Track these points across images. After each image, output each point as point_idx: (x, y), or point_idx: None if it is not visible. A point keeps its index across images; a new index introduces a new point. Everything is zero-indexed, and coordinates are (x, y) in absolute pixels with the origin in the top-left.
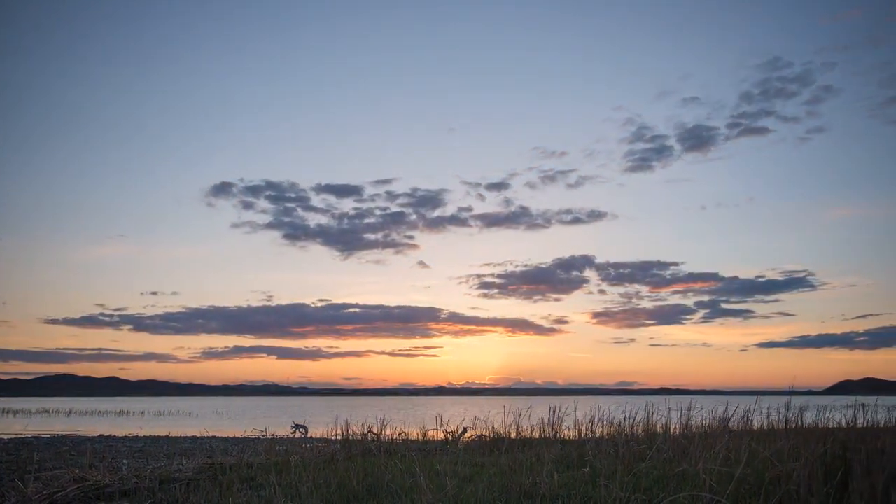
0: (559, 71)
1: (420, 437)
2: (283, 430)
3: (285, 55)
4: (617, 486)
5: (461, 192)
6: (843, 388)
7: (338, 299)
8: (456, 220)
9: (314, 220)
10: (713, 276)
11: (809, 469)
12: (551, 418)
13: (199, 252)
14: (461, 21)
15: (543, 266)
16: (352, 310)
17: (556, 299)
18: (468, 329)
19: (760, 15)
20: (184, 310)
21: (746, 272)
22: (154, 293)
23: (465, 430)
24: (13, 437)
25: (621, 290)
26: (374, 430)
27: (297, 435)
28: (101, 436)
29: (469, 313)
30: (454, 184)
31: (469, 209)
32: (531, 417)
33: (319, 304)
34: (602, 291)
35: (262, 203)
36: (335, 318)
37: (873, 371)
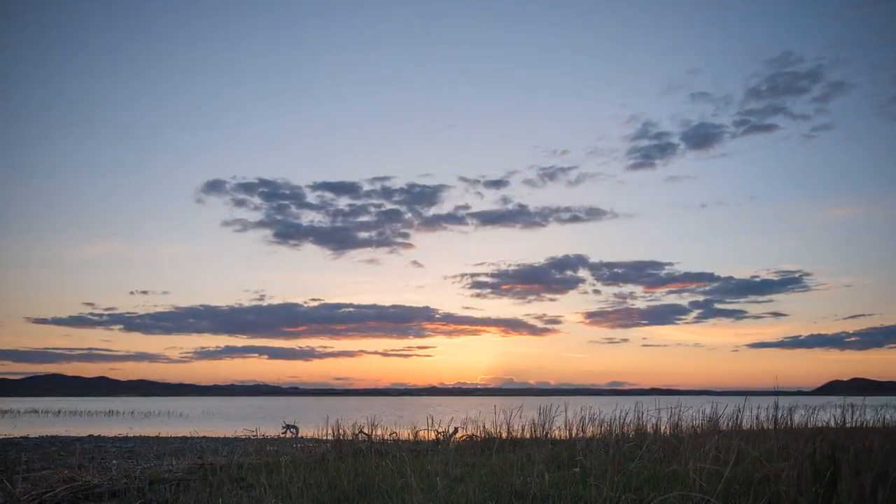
0: (563, 67)
1: (411, 438)
2: (273, 431)
3: (281, 51)
4: (607, 485)
5: (459, 189)
6: (833, 388)
7: (331, 299)
8: (452, 219)
9: (308, 218)
10: (709, 276)
11: (798, 469)
12: (542, 418)
13: (189, 251)
14: (462, 16)
15: (538, 266)
16: (345, 309)
17: (551, 299)
18: (462, 329)
19: (773, 7)
20: (174, 309)
21: (742, 272)
22: (144, 292)
23: (455, 431)
24: (1, 437)
25: (616, 289)
26: (365, 431)
27: (288, 435)
28: (90, 436)
29: (463, 313)
30: (453, 181)
31: (466, 207)
32: (522, 417)
33: (312, 304)
34: (597, 291)
35: (255, 201)
36: (328, 318)
37: (863, 371)
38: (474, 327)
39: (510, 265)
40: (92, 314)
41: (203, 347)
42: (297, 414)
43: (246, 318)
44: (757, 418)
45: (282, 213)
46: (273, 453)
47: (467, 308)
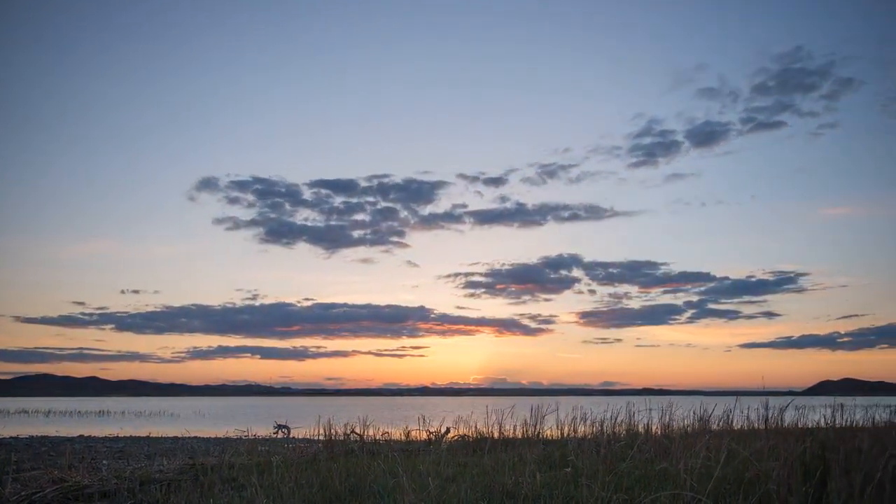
0: (566, 63)
1: (403, 438)
2: (265, 431)
3: (279, 48)
4: (599, 485)
5: (458, 187)
6: (823, 388)
7: (324, 298)
8: (449, 217)
9: (302, 216)
10: (705, 276)
11: (788, 468)
12: (534, 418)
13: (181, 250)
14: (463, 12)
15: (534, 265)
16: (339, 309)
17: (546, 299)
18: (456, 329)
19: (783, 2)
20: (166, 309)
21: (738, 272)
22: (136, 291)
23: (447, 431)
24: None
25: (611, 289)
26: (357, 431)
27: (280, 435)
28: (80, 436)
29: (457, 313)
30: (451, 178)
31: (464, 206)
32: (514, 417)
33: (306, 304)
34: (592, 291)
35: (248, 199)
36: (322, 318)
37: (854, 372)
38: (468, 327)
39: (504, 265)
40: (82, 314)
41: (195, 347)
42: (288, 414)
43: (239, 318)
44: (748, 418)
45: (276, 211)
46: (264, 453)
47: (461, 308)
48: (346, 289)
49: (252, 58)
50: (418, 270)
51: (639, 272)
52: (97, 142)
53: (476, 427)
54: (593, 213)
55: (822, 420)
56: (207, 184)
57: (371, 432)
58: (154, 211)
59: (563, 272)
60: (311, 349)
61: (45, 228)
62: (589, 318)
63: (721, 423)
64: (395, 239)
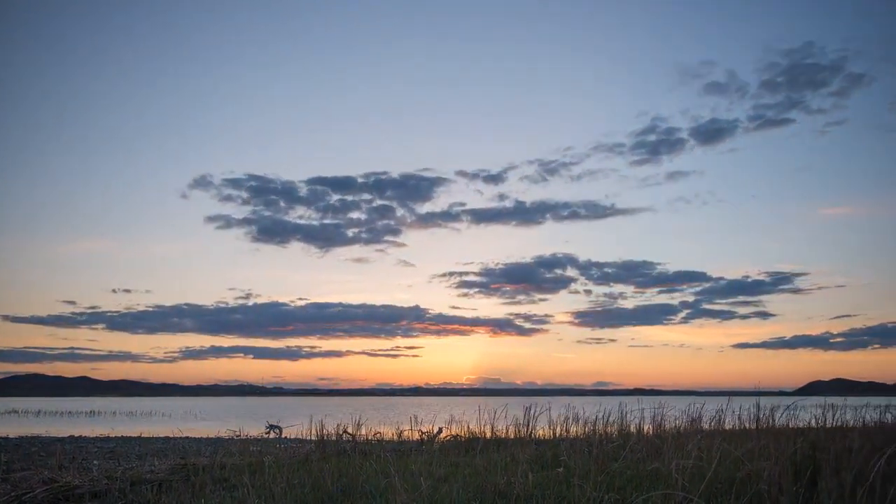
0: (569, 60)
1: (395, 438)
2: (257, 431)
3: (279, 45)
4: (591, 485)
5: (457, 184)
6: (814, 388)
7: (319, 298)
8: (447, 216)
9: (297, 214)
10: (701, 276)
11: (780, 468)
12: (526, 418)
13: (174, 248)
14: (464, 8)
15: (529, 265)
16: (333, 309)
17: (541, 299)
18: (450, 329)
19: None
20: (158, 308)
21: (735, 272)
22: (127, 291)
23: (440, 431)
24: None
25: (606, 289)
26: (350, 431)
27: (272, 435)
28: (71, 436)
29: (452, 313)
30: (451, 175)
31: (462, 204)
32: (506, 417)
33: (300, 303)
34: (587, 291)
35: (242, 197)
36: (316, 318)
37: (845, 372)
38: (463, 327)
39: (500, 264)
40: (73, 313)
41: (187, 347)
42: (280, 414)
43: (231, 318)
44: (739, 418)
45: (270, 209)
46: (256, 453)
47: (457, 308)
48: (341, 288)
49: (251, 56)
50: (414, 270)
51: (635, 272)
52: (93, 141)
53: (468, 427)
54: (593, 211)
55: (813, 420)
56: (201, 182)
57: (363, 432)
58: (147, 209)
59: (559, 271)
60: (305, 349)
61: (35, 227)
62: (584, 318)
63: (713, 424)
64: (390, 238)
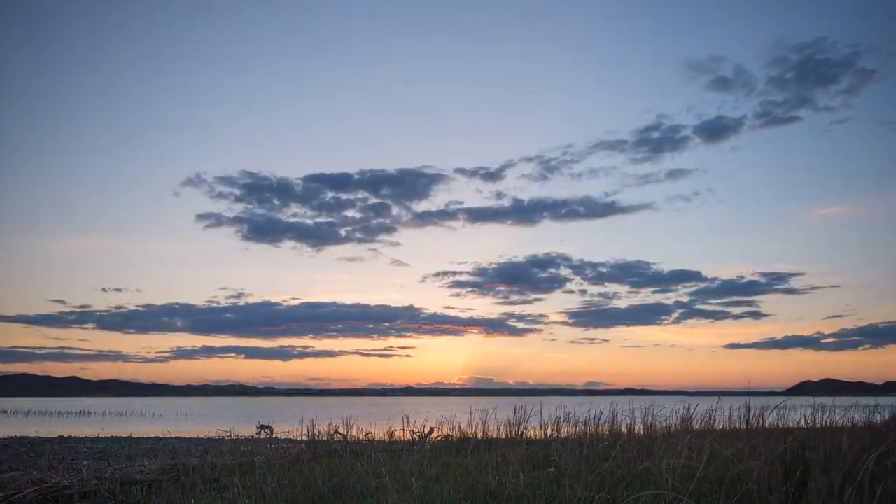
0: (571, 56)
1: (387, 438)
2: (247, 431)
3: (279, 42)
4: (581, 485)
5: (455, 182)
6: (804, 388)
7: (312, 297)
8: (443, 215)
9: (291, 212)
10: (696, 276)
11: (769, 468)
12: (517, 418)
13: (165, 247)
14: (466, 6)
15: (523, 265)
16: (327, 308)
17: (536, 298)
18: (445, 328)
19: None
20: (148, 308)
21: (730, 271)
22: (118, 290)
23: (431, 431)
24: None
25: (601, 289)
26: (341, 431)
27: (262, 435)
28: (60, 437)
29: (446, 313)
30: (449, 172)
31: (459, 202)
32: (497, 417)
33: (293, 303)
34: (582, 291)
35: (234, 195)
36: (309, 317)
37: (835, 372)
38: (457, 327)
39: (494, 263)
40: (62, 312)
41: (179, 347)
42: (271, 414)
43: (223, 317)
44: (729, 418)
45: (263, 206)
46: (247, 454)
47: (450, 308)
48: (335, 287)
49: (249, 53)
50: (408, 269)
51: (630, 272)
52: (88, 139)
53: (460, 427)
54: (591, 209)
55: (803, 420)
56: (194, 180)
57: (354, 432)
58: (140, 208)
59: (553, 271)
60: (298, 349)
61: (24, 225)
62: (578, 318)
63: (703, 424)
64: (385, 237)
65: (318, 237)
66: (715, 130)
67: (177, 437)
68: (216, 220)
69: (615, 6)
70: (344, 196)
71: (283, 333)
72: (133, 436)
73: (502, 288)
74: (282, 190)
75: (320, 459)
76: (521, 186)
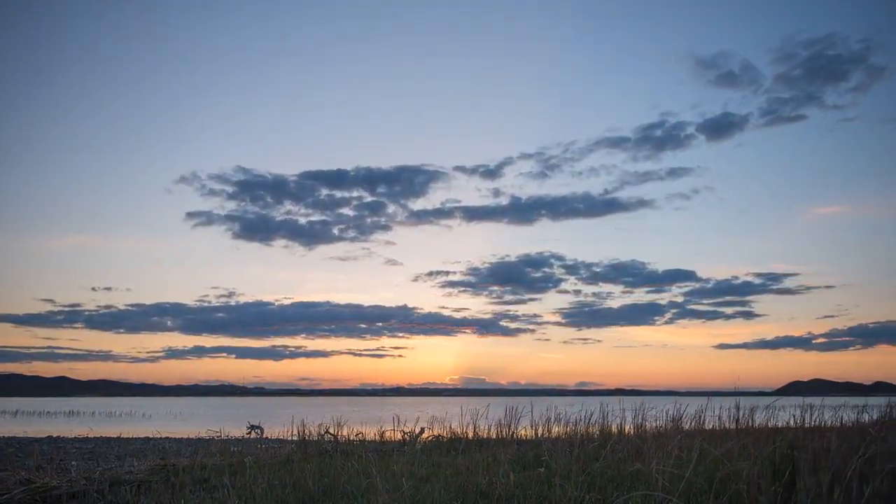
0: (573, 54)
1: (377, 438)
2: (238, 431)
3: (278, 41)
4: (572, 485)
5: (455, 180)
6: (793, 388)
7: (305, 297)
8: (439, 213)
9: (284, 210)
10: (690, 276)
11: (758, 468)
12: (508, 418)
13: (156, 246)
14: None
15: (518, 264)
16: (320, 308)
17: (530, 298)
18: (438, 328)
19: None
20: (138, 307)
21: (724, 272)
22: (108, 289)
23: (422, 431)
24: None
25: (595, 289)
26: (331, 431)
27: (253, 436)
28: (49, 437)
29: (440, 313)
30: (448, 170)
31: (456, 200)
32: (488, 417)
33: (285, 302)
34: (577, 291)
35: (227, 193)
36: (302, 317)
37: (824, 372)
38: (451, 327)
39: (487, 263)
40: (51, 311)
41: (169, 347)
42: (262, 414)
43: (214, 317)
44: (719, 418)
45: (256, 204)
46: (237, 454)
47: (444, 308)
48: (328, 287)
49: (244, 50)
50: (401, 269)
51: (624, 271)
52: (83, 137)
53: (451, 427)
54: (590, 208)
55: (792, 420)
56: (187, 178)
57: (345, 433)
58: (132, 206)
59: (546, 271)
60: (290, 349)
61: (11, 224)
62: (571, 318)
63: (693, 424)
64: (379, 235)
65: (310, 236)
66: (719, 128)
67: (166, 438)
68: (206, 219)
69: (619, 0)
70: (339, 194)
71: (275, 333)
72: (122, 436)
73: (495, 288)
74: (276, 187)
75: (310, 460)
76: (519, 184)
